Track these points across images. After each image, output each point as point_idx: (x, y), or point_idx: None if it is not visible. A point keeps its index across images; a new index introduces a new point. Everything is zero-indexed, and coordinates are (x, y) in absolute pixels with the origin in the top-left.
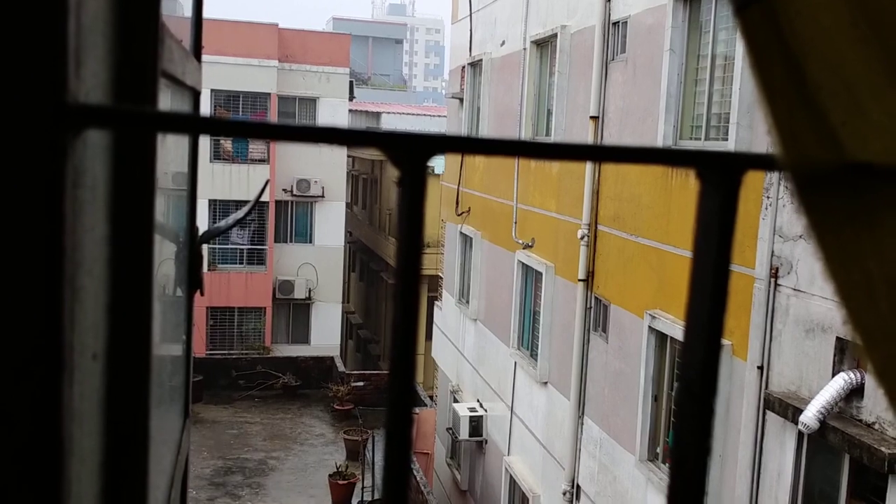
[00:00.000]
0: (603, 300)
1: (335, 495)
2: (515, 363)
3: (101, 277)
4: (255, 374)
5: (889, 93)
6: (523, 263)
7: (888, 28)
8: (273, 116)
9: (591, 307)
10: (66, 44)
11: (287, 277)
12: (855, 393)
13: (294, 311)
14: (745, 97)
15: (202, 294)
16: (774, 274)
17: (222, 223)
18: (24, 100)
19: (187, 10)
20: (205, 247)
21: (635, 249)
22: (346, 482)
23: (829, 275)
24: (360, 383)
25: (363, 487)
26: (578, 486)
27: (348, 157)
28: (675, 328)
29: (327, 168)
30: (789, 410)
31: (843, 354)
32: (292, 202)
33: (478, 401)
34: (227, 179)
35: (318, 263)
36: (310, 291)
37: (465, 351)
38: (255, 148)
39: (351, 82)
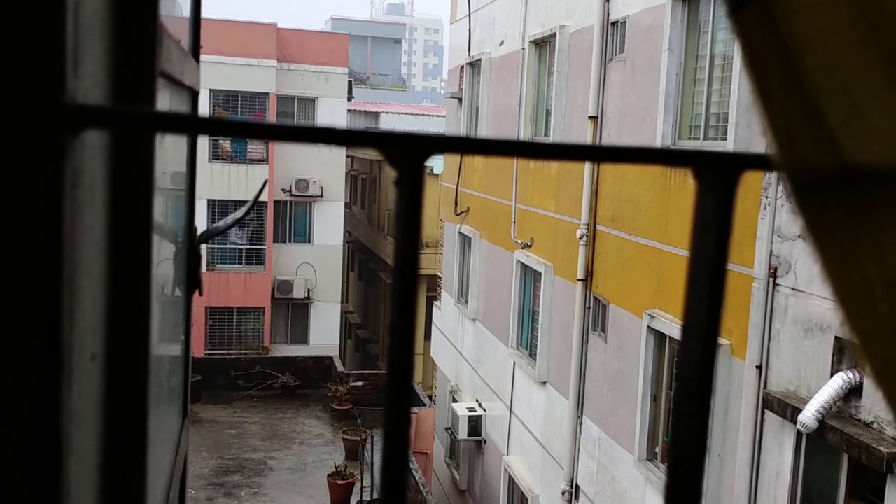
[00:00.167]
0: (602, 300)
1: (334, 495)
2: (514, 363)
3: (99, 278)
4: (254, 374)
5: (888, 94)
6: (522, 263)
7: (887, 29)
8: (272, 116)
9: (589, 307)
10: (64, 44)
11: (286, 277)
12: (853, 392)
13: (293, 311)
14: (744, 97)
15: (201, 294)
16: (773, 273)
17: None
18: (22, 100)
19: (186, 10)
20: (203, 247)
21: (634, 249)
22: (344, 482)
23: (827, 276)
24: (359, 383)
25: (362, 487)
26: (577, 486)
27: (347, 156)
28: (674, 328)
29: (326, 168)
30: (788, 410)
31: (841, 354)
32: (291, 202)
33: (477, 401)
34: (225, 179)
35: (317, 263)
36: (308, 291)
37: (463, 351)
38: (254, 148)
39: (350, 82)
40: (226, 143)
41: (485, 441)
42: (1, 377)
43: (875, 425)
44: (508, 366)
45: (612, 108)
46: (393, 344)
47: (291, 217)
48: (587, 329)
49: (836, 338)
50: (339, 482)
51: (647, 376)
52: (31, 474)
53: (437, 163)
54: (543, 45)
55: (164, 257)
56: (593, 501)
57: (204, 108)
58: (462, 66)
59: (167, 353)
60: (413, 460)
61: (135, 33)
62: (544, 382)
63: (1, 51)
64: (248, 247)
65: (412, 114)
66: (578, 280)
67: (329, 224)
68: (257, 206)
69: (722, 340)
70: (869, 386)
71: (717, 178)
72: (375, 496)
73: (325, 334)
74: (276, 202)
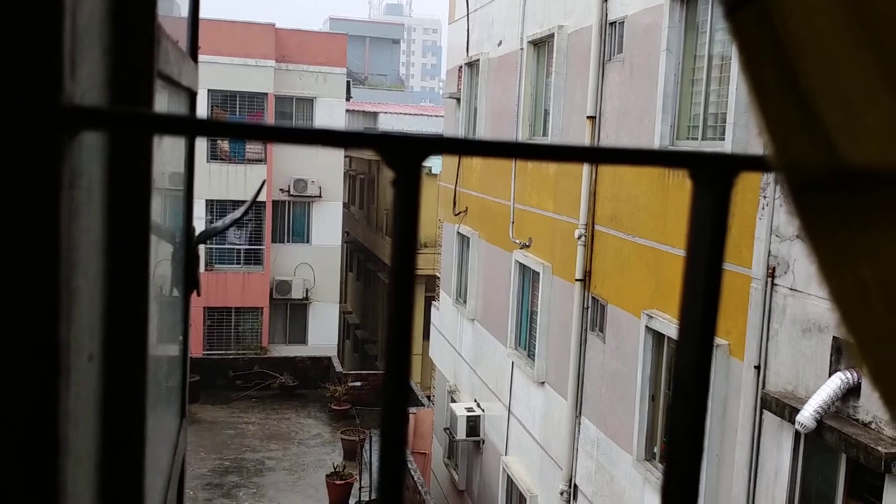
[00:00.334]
0: (600, 300)
1: (332, 495)
2: (513, 363)
3: (97, 278)
4: (253, 375)
5: (883, 96)
6: (520, 263)
7: (882, 31)
8: (270, 116)
9: (588, 307)
10: (61, 45)
11: (284, 277)
12: (852, 392)
13: (291, 312)
14: (742, 97)
15: (199, 294)
16: (771, 274)
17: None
18: (20, 101)
19: (184, 11)
20: (202, 247)
21: (632, 249)
22: (343, 482)
23: (823, 277)
24: (358, 383)
25: (360, 487)
26: (576, 486)
27: (345, 157)
28: (672, 328)
29: (324, 168)
30: (786, 410)
31: (839, 354)
32: (289, 202)
33: (475, 401)
34: (224, 179)
35: (316, 263)
36: (307, 291)
37: (462, 351)
38: (252, 148)
39: (348, 82)
40: (224, 144)
41: (483, 441)
42: None
43: (873, 425)
44: (507, 366)
45: (610, 109)
46: (390, 344)
47: (290, 217)
48: (585, 329)
49: (835, 338)
50: (338, 482)
51: (646, 376)
52: (30, 475)
53: (435, 163)
54: (542, 45)
55: (162, 258)
56: (592, 501)
57: (202, 109)
58: (460, 67)
59: (165, 353)
60: (411, 460)
61: (133, 35)
62: (543, 382)
63: None
64: (247, 247)
65: (410, 114)
66: (577, 280)
67: (327, 224)
68: (255, 206)
69: (720, 340)
70: (867, 386)
71: (713, 179)
72: (374, 496)
73: (323, 334)
74: (275, 202)
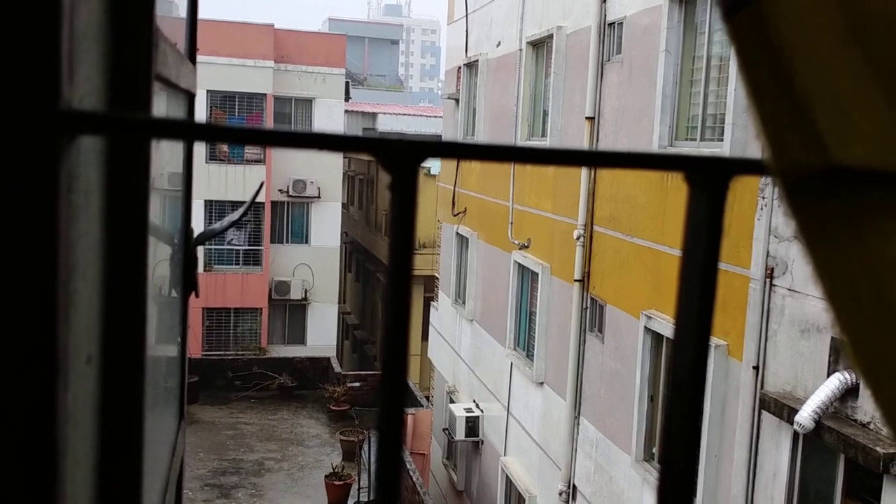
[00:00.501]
0: (599, 301)
1: (331, 496)
2: (511, 364)
3: (95, 281)
4: (252, 375)
5: (871, 98)
6: (519, 264)
7: (870, 33)
8: (269, 117)
9: (586, 307)
10: (59, 50)
11: (283, 278)
12: (850, 393)
13: (290, 312)
14: (741, 98)
15: (197, 296)
16: (770, 274)
17: (217, 225)
18: (18, 106)
19: (182, 11)
20: (200, 248)
21: (631, 250)
22: (342, 483)
23: (818, 277)
24: (357, 384)
25: (359, 488)
26: (574, 487)
27: (344, 157)
28: (671, 329)
29: (323, 169)
30: (785, 410)
31: (838, 354)
32: (288, 203)
33: (474, 401)
34: (222, 180)
35: (315, 264)
36: (306, 292)
37: (461, 351)
38: (251, 149)
39: (347, 83)
40: (223, 145)
41: (482, 442)
42: None
43: (871, 426)
44: (506, 366)
45: (608, 110)
46: (386, 347)
47: (288, 218)
48: (584, 330)
49: (833, 338)
50: (337, 483)
51: (644, 377)
52: (28, 476)
53: (434, 164)
54: (540, 46)
55: (160, 259)
56: (590, 502)
57: (201, 109)
58: (459, 67)
59: (163, 354)
60: (410, 461)
61: (130, 38)
62: (541, 383)
63: None
64: (246, 248)
65: (409, 115)
66: (575, 281)
67: (326, 225)
68: (254, 206)
69: (719, 341)
70: (866, 389)
71: (708, 182)
72: (373, 497)
73: (322, 335)
74: (274, 203)
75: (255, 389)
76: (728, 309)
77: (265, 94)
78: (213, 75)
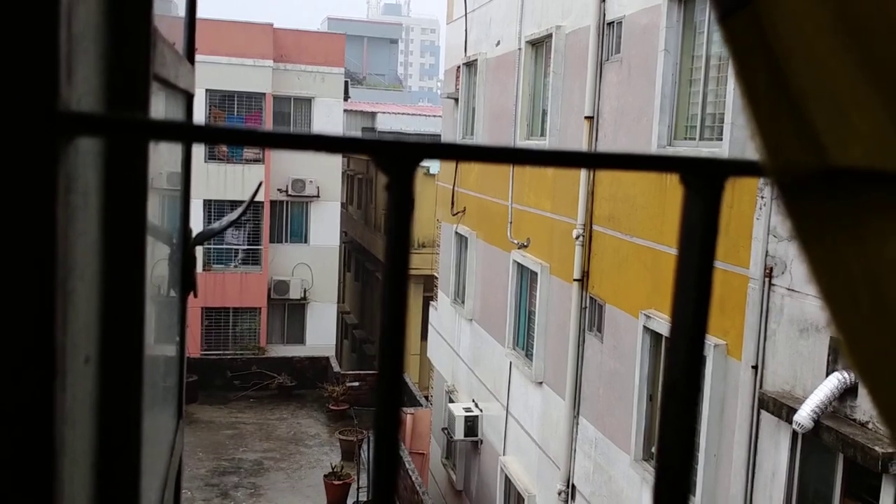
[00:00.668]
0: (598, 300)
1: (330, 495)
2: (511, 363)
3: (93, 281)
4: (251, 375)
5: (867, 98)
6: (518, 263)
7: (866, 34)
8: (268, 116)
9: (586, 307)
10: (57, 51)
11: (282, 277)
12: (849, 392)
13: (289, 312)
14: (740, 98)
15: (195, 296)
16: (769, 274)
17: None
18: (16, 107)
19: (181, 11)
20: (199, 247)
21: (630, 249)
22: (341, 482)
23: (814, 277)
24: (356, 383)
25: (358, 488)
26: (574, 486)
27: (343, 157)
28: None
29: (322, 168)
30: (783, 410)
31: (836, 354)
32: (287, 202)
33: (473, 401)
34: (221, 180)
35: (314, 263)
36: (305, 291)
37: (460, 351)
38: (250, 148)
39: (346, 82)
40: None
41: (481, 441)
42: None
43: (870, 425)
44: (505, 366)
45: (608, 109)
46: (383, 348)
47: (288, 217)
48: (583, 329)
49: (832, 338)
50: (336, 482)
51: (644, 376)
52: (27, 475)
53: (433, 163)
54: (540, 45)
55: (159, 259)
56: (589, 501)
57: (200, 109)
58: (458, 67)
59: (162, 354)
60: (409, 461)
61: (128, 39)
62: (541, 382)
63: None
64: (245, 247)
65: (408, 114)
66: (575, 280)
67: (325, 224)
68: (253, 206)
69: (718, 340)
70: (863, 388)
71: (703, 183)
72: (371, 496)
73: (321, 335)
74: (273, 202)
75: (254, 389)
76: (727, 308)
77: (264, 94)
78: (212, 75)
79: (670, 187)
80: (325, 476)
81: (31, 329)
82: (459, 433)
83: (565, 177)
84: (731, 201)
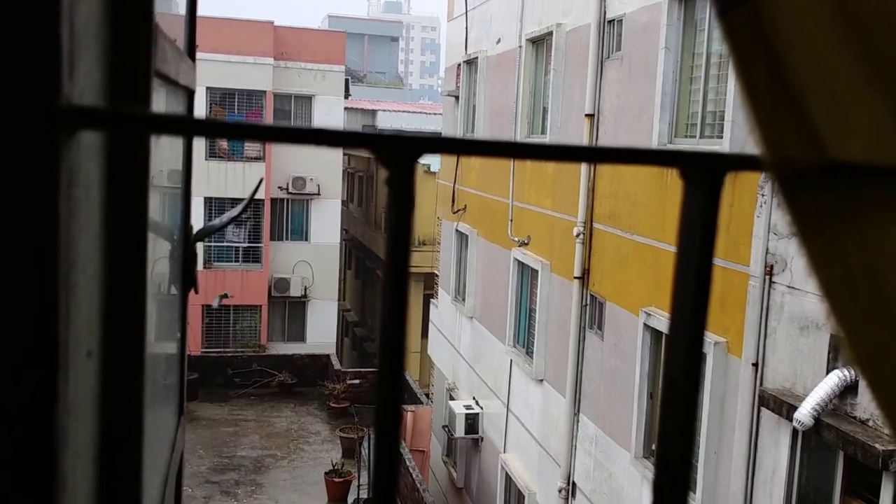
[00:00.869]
0: (598, 298)
1: (331, 493)
2: (511, 361)
3: (95, 276)
4: (251, 372)
5: (867, 93)
6: (519, 261)
7: (865, 30)
8: (269, 114)
9: (586, 305)
10: (59, 46)
11: (283, 275)
12: (849, 390)
13: (290, 309)
14: (739, 93)
15: (196, 293)
16: (769, 271)
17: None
18: (18, 102)
19: (182, 8)
20: (200, 245)
21: (631, 247)
22: (342, 480)
23: (813, 271)
24: (356, 381)
25: (359, 485)
26: (574, 484)
27: (344, 154)
28: None
29: (323, 166)
30: (784, 407)
31: (837, 351)
32: (288, 200)
33: (474, 398)
34: (222, 177)
35: (314, 261)
36: (305, 289)
37: (461, 348)
38: (251, 146)
39: (346, 80)
40: (223, 141)
41: (482, 439)
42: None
43: (871, 422)
44: (505, 363)
45: (608, 107)
46: (384, 345)
47: (288, 215)
48: (584, 327)
49: (832, 335)
50: (337, 480)
51: (644, 374)
52: (30, 467)
53: (434, 161)
54: (540, 43)
55: (160, 255)
56: (590, 499)
57: (200, 107)
58: (459, 64)
59: (163, 351)
60: (410, 458)
61: (130, 35)
62: (541, 380)
63: None
64: (245, 245)
65: (409, 112)
66: (575, 278)
67: (326, 222)
68: (254, 203)
69: (718, 338)
70: (863, 382)
71: (703, 178)
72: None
73: (322, 332)
74: (273, 200)
75: (255, 387)
76: (727, 306)
77: (265, 91)
78: (213, 72)
79: (671, 185)
80: (325, 473)
81: (35, 323)
82: (460, 431)
83: (566, 174)
84: (731, 199)
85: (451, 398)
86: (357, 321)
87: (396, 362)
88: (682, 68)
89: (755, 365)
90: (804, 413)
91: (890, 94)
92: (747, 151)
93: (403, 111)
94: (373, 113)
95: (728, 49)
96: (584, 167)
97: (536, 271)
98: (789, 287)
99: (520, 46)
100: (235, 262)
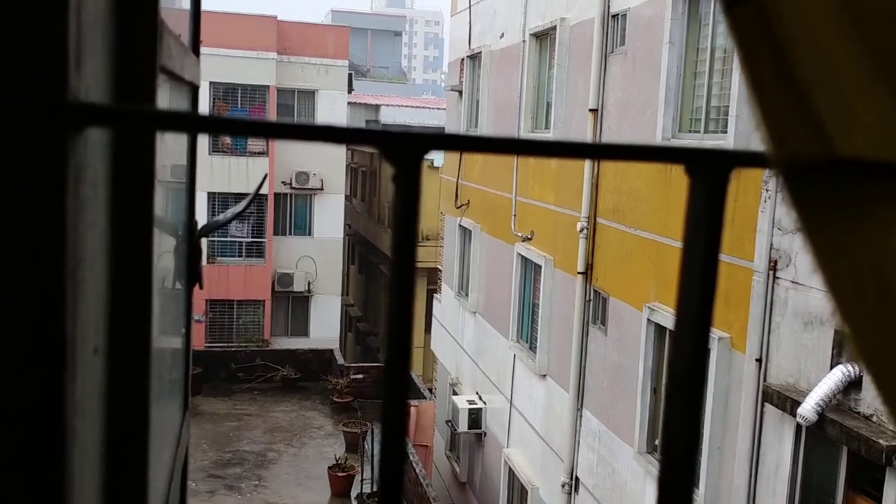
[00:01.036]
0: (602, 293)
1: (334, 487)
2: (514, 356)
3: (101, 272)
4: (255, 367)
5: (872, 89)
6: (522, 256)
7: (871, 25)
8: (272, 109)
9: (590, 300)
10: (66, 43)
11: (286, 270)
12: (853, 385)
13: (293, 304)
14: (745, 90)
15: (201, 288)
16: (773, 266)
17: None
18: (25, 99)
19: (186, 3)
20: (204, 240)
21: (634, 242)
22: (345, 474)
23: (819, 267)
24: (360, 376)
25: (362, 479)
26: (577, 479)
27: (347, 149)
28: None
29: (326, 161)
30: (788, 403)
31: (841, 347)
32: (291, 195)
33: (477, 393)
34: (226, 172)
35: (318, 256)
36: (309, 284)
37: (464, 344)
38: (254, 141)
39: (350, 75)
40: (226, 137)
41: (485, 433)
42: (7, 370)
43: (875, 418)
44: (509, 358)
45: (612, 101)
46: (390, 341)
47: (292, 210)
48: (587, 322)
49: (836, 331)
50: (340, 474)
51: (647, 369)
52: (39, 464)
53: (437, 156)
54: (544, 37)
55: (164, 251)
56: (593, 494)
57: (204, 101)
58: (462, 59)
59: (168, 346)
60: (413, 453)
61: (136, 31)
62: (544, 375)
63: (5, 50)
64: (249, 240)
65: (412, 106)
66: (579, 273)
67: (329, 217)
68: (258, 198)
69: (722, 333)
70: (868, 379)
71: (708, 174)
72: (376, 488)
73: (325, 327)
74: (277, 195)
75: (259, 381)
76: (731, 301)
77: (268, 86)
78: (217, 67)
79: (674, 180)
80: (329, 468)
81: (42, 320)
82: (463, 425)
83: (569, 169)
84: (735, 194)
85: (455, 393)
86: (360, 316)
87: (403, 357)
88: (687, 63)
89: (759, 360)
90: (808, 408)
91: None
92: (752, 146)
93: (407, 106)
94: (376, 108)
95: (734, 44)
96: (587, 162)
97: (540, 266)
98: (793, 282)
99: (523, 41)
100: (239, 256)
